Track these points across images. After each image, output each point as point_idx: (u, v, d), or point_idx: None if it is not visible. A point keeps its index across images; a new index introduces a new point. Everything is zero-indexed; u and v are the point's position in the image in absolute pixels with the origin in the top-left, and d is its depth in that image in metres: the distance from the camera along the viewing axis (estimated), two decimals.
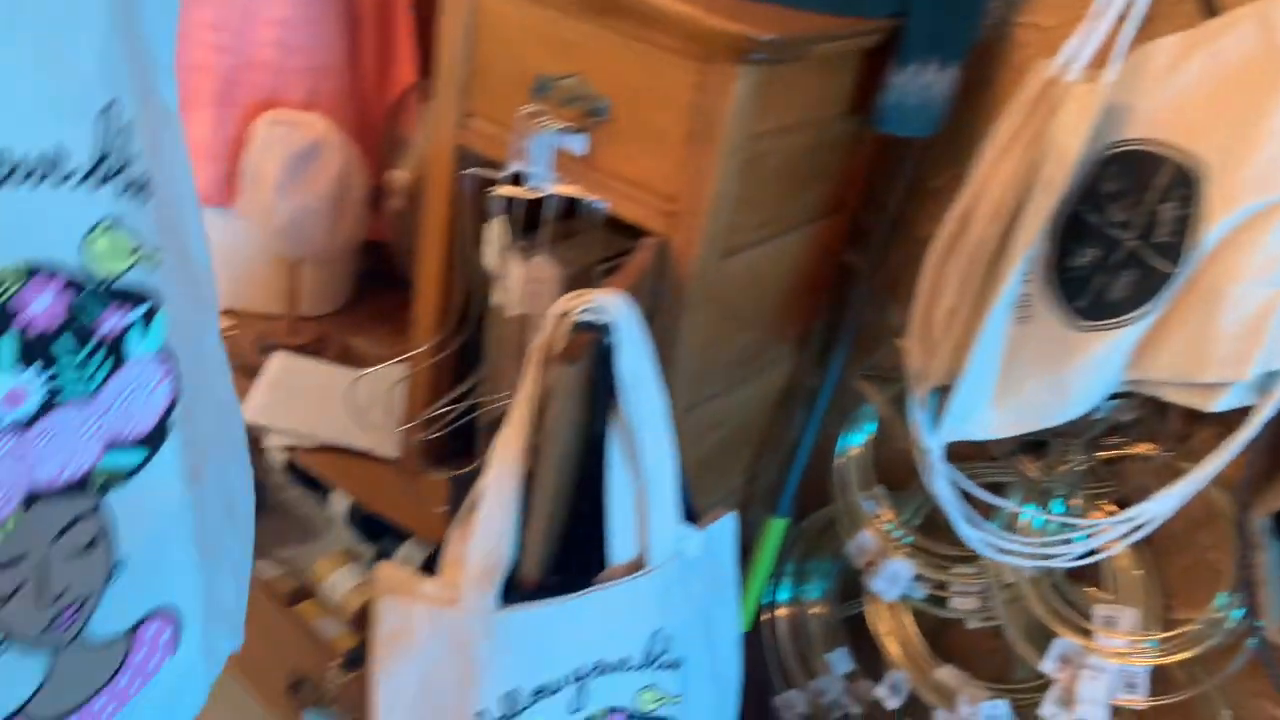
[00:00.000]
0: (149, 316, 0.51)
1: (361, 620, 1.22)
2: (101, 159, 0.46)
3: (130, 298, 0.49)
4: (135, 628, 0.56)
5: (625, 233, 1.00)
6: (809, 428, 1.20)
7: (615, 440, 0.82)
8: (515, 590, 0.81)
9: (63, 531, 0.50)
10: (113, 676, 0.56)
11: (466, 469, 0.91)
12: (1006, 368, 0.97)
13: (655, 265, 0.94)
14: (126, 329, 0.50)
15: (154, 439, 0.53)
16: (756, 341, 1.14)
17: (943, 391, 0.99)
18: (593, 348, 0.78)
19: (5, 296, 0.44)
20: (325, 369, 1.41)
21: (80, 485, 0.50)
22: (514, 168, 1.00)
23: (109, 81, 0.45)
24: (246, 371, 1.38)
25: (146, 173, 0.49)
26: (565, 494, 0.82)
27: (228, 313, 1.48)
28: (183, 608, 0.59)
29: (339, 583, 1.26)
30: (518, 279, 1.04)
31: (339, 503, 1.40)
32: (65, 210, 0.45)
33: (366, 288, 1.63)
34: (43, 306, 0.46)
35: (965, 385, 0.95)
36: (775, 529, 1.23)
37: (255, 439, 1.48)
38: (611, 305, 0.80)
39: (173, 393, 0.54)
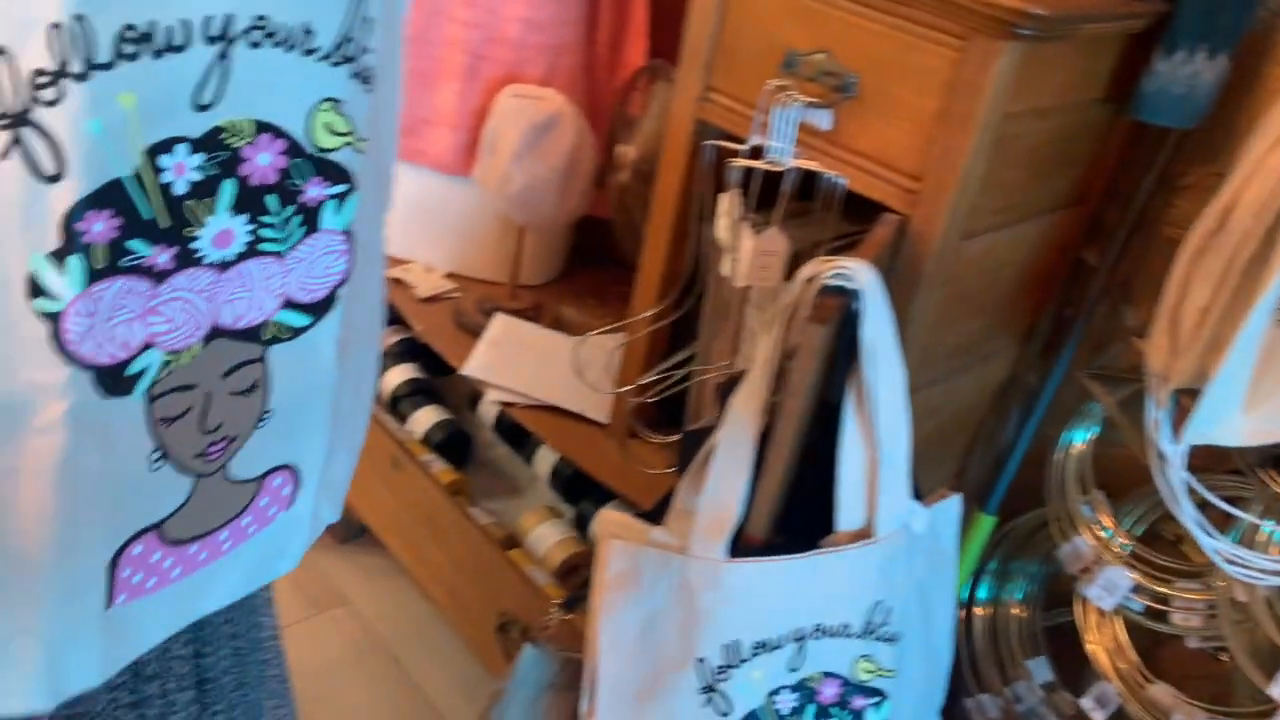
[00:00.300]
0: (344, 196, 0.55)
1: (566, 573, 1.27)
2: (342, 42, 0.50)
3: (334, 174, 0.54)
4: (265, 475, 0.61)
5: (858, 212, 1.01)
6: (1027, 424, 1.17)
7: (850, 407, 0.83)
8: (741, 546, 0.83)
9: (230, 371, 0.56)
10: (238, 514, 0.61)
11: (699, 425, 0.93)
12: (1261, 372, 0.92)
13: (893, 242, 0.94)
14: (324, 201, 0.54)
15: (321, 307, 0.58)
16: (982, 330, 1.12)
17: (1186, 394, 0.95)
18: (841, 311, 0.79)
19: (237, 144, 0.49)
20: (542, 333, 1.47)
21: (253, 333, 0.56)
22: (754, 141, 1.02)
23: None
24: (469, 330, 1.46)
25: (374, 68, 0.54)
26: (798, 455, 0.83)
27: (452, 276, 1.56)
28: (305, 468, 0.64)
29: (544, 536, 1.31)
30: (748, 251, 1.06)
31: (544, 461, 1.46)
32: (302, 80, 0.50)
33: (578, 262, 1.70)
34: (264, 162, 0.50)
35: (1216, 389, 0.91)
36: (982, 525, 1.20)
37: (474, 395, 1.56)
38: (860, 272, 0.80)
39: (346, 270, 0.58)
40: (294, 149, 0.51)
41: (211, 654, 0.73)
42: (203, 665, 0.72)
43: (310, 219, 0.54)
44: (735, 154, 1.03)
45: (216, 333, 0.53)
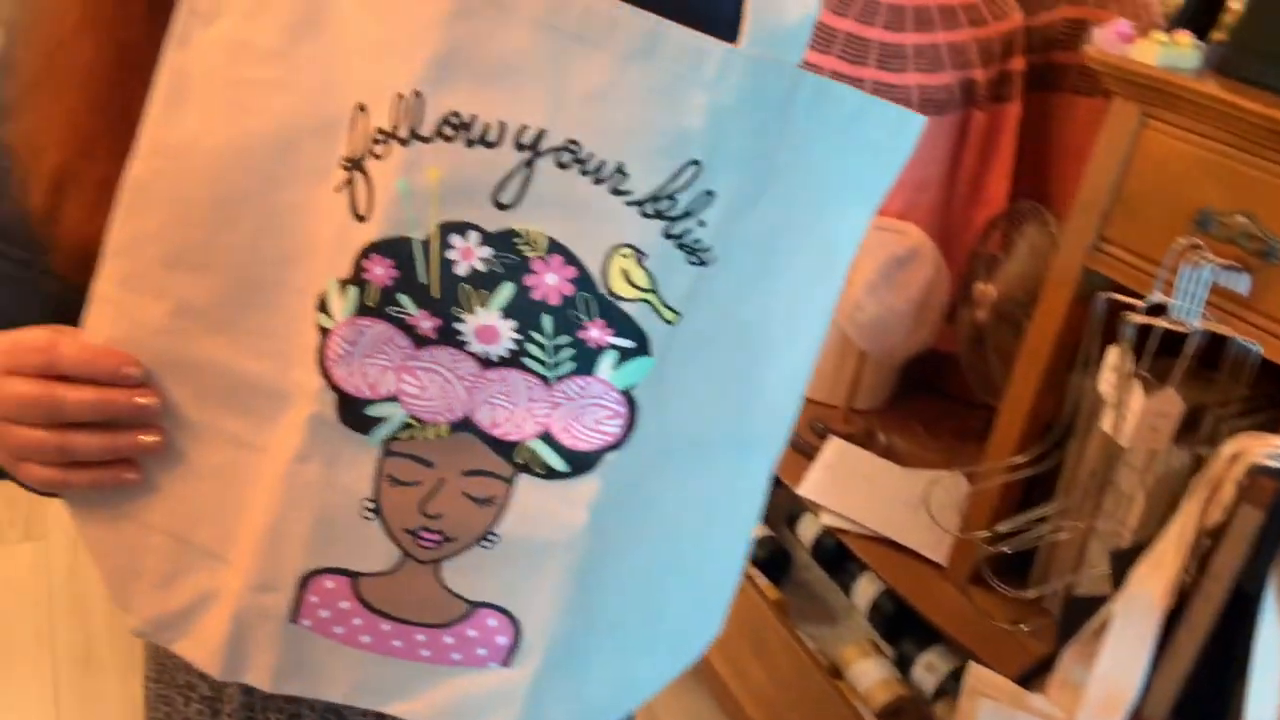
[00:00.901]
0: (629, 354, 0.52)
1: (891, 714, 1.23)
2: (659, 197, 0.49)
3: (622, 325, 0.51)
4: (479, 605, 0.57)
5: (1268, 383, 0.94)
6: None
7: (1272, 597, 0.76)
8: None
9: (472, 472, 0.54)
10: (441, 625, 0.57)
11: (1089, 594, 0.89)
12: None
13: None
14: (604, 348, 0.51)
15: (582, 462, 0.54)
16: None
17: None
18: (1276, 495, 0.74)
19: (528, 254, 0.49)
20: (876, 461, 1.46)
21: (506, 448, 0.53)
22: (1155, 298, 0.98)
23: (704, 148, 0.49)
24: (798, 448, 1.47)
25: (711, 248, 0.51)
26: (1208, 639, 0.78)
27: None
28: (526, 628, 0.58)
29: (866, 672, 1.29)
30: (1137, 411, 1.01)
31: (865, 592, 1.44)
32: (604, 216, 0.49)
33: (908, 390, 1.68)
34: (550, 281, 0.50)
35: None
36: None
37: (792, 513, 1.57)
38: None
39: (618, 437, 0.54)
40: (584, 281, 0.50)
41: None
42: None
43: (585, 359, 0.51)
44: (1130, 308, 1.00)
45: (469, 426, 0.53)
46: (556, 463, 0.54)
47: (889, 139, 0.54)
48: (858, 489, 1.40)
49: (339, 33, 0.49)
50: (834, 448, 1.46)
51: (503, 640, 0.58)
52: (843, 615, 1.49)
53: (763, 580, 1.43)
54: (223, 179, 0.50)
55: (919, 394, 1.69)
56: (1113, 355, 1.04)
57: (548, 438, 0.53)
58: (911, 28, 1.42)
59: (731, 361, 0.55)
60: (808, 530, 1.54)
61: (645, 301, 0.50)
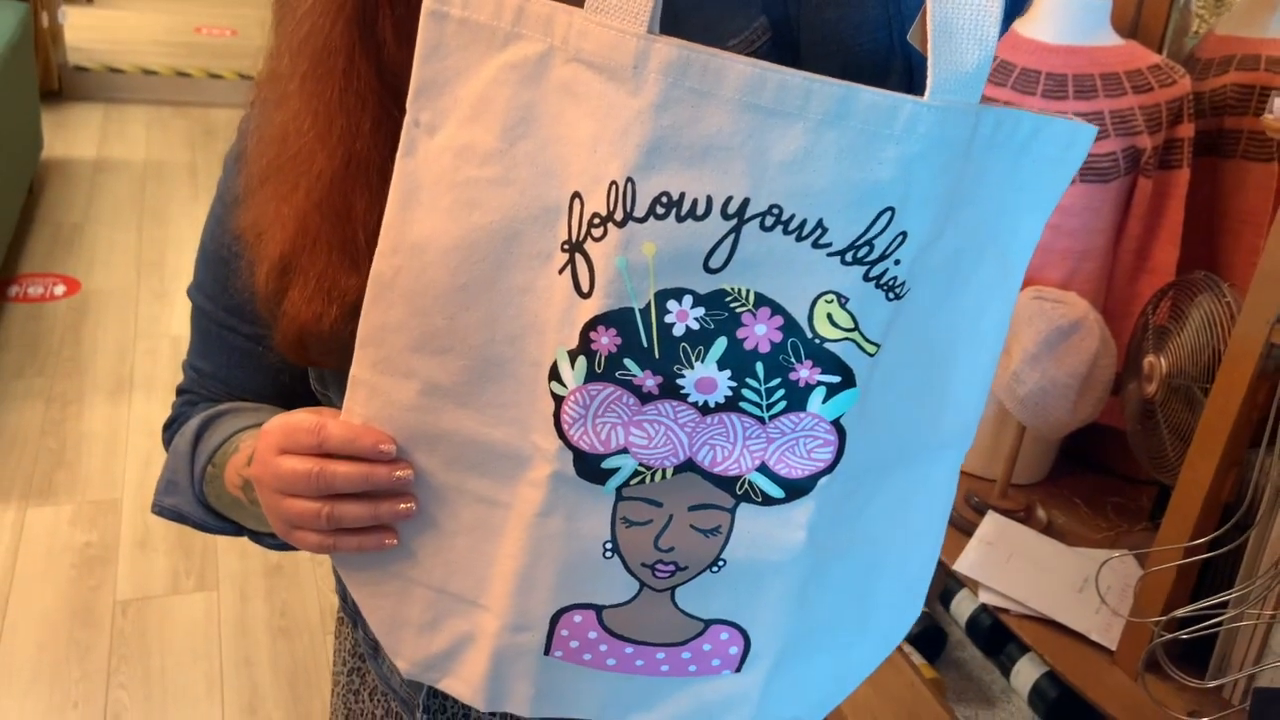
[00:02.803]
0: (836, 389, 0.54)
1: None
2: (859, 246, 0.51)
3: (828, 363, 0.54)
4: (711, 622, 0.61)
5: None
6: None
7: None
8: None
9: (697, 506, 0.57)
10: (678, 644, 0.62)
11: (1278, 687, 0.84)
12: None
13: None
14: (813, 385, 0.54)
15: (797, 488, 0.57)
16: None
17: None
18: None
19: (738, 309, 0.52)
20: (1037, 538, 1.41)
21: (727, 483, 0.57)
22: None
23: (897, 195, 0.51)
24: (954, 524, 1.44)
25: (906, 283, 0.53)
26: None
27: None
28: (756, 638, 0.62)
29: None
30: None
31: (1025, 674, 1.38)
32: (807, 269, 0.51)
33: (1066, 465, 1.63)
34: (760, 331, 0.52)
35: None
36: None
37: (946, 589, 1.53)
38: None
39: (829, 463, 0.57)
40: (790, 327, 0.53)
41: None
42: None
43: (796, 398, 0.54)
44: None
45: (692, 466, 0.57)
46: (774, 491, 0.58)
47: (1063, 151, 0.56)
48: (1018, 567, 1.35)
49: (551, 130, 0.53)
50: (992, 523, 1.42)
51: (734, 650, 0.63)
52: (1001, 698, 1.43)
53: (918, 658, 1.39)
54: (457, 271, 0.55)
55: (1080, 468, 1.64)
56: None
57: (765, 469, 0.57)
58: (1072, 96, 1.41)
59: (924, 375, 0.58)
60: (963, 607, 1.50)
61: (849, 340, 0.53)
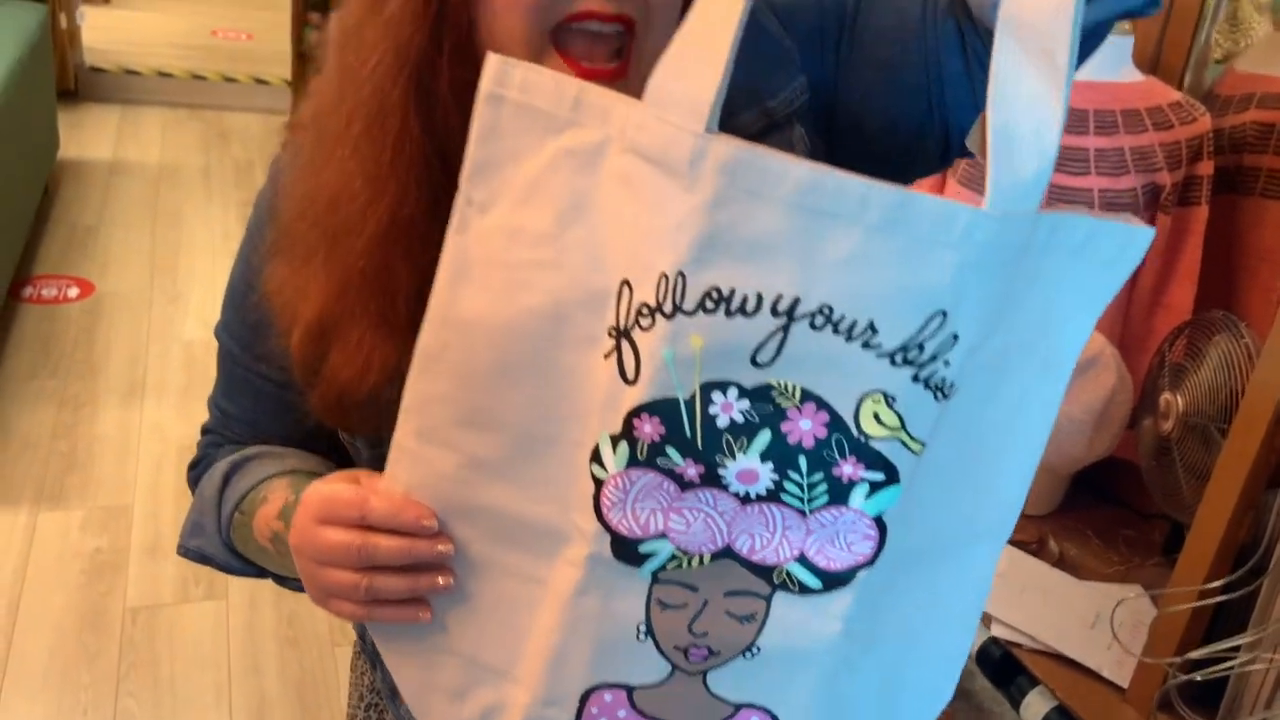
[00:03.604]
0: (880, 486, 0.54)
1: None
2: (908, 347, 0.51)
3: (873, 460, 0.53)
4: (741, 706, 0.61)
5: None
6: None
7: None
8: None
9: (733, 593, 0.57)
10: None
11: None
12: None
13: None
14: (857, 482, 0.54)
15: (835, 579, 0.57)
16: None
17: None
18: None
19: (784, 404, 0.52)
20: (1050, 572, 1.42)
21: (764, 571, 0.57)
22: None
23: (950, 300, 0.50)
24: None
25: (955, 384, 0.53)
26: None
27: None
28: None
29: None
30: None
31: (1035, 708, 1.38)
32: (855, 368, 0.51)
33: (1079, 496, 1.63)
34: (805, 426, 0.52)
35: None
36: None
37: None
38: None
39: (869, 557, 0.56)
40: (836, 424, 0.52)
41: None
42: None
43: (838, 493, 0.54)
44: None
45: (729, 553, 0.56)
46: (812, 582, 0.57)
47: (1119, 252, 0.55)
48: (1030, 600, 1.35)
49: (604, 217, 0.53)
50: (1005, 555, 1.42)
51: None
52: None
53: None
54: (503, 349, 0.56)
55: (1092, 501, 1.64)
56: None
57: (804, 560, 0.56)
58: (1093, 131, 1.41)
59: (967, 470, 0.58)
60: (975, 639, 1.50)
61: (895, 438, 0.53)
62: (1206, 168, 1.44)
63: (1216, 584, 1.11)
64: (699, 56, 0.50)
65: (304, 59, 4.52)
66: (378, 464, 0.73)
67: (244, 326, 0.75)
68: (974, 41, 0.66)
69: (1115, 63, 1.43)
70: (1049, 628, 1.31)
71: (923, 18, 0.68)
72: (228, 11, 6.25)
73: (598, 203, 0.53)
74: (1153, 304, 1.48)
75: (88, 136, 4.27)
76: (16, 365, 2.77)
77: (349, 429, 0.72)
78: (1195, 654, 1.11)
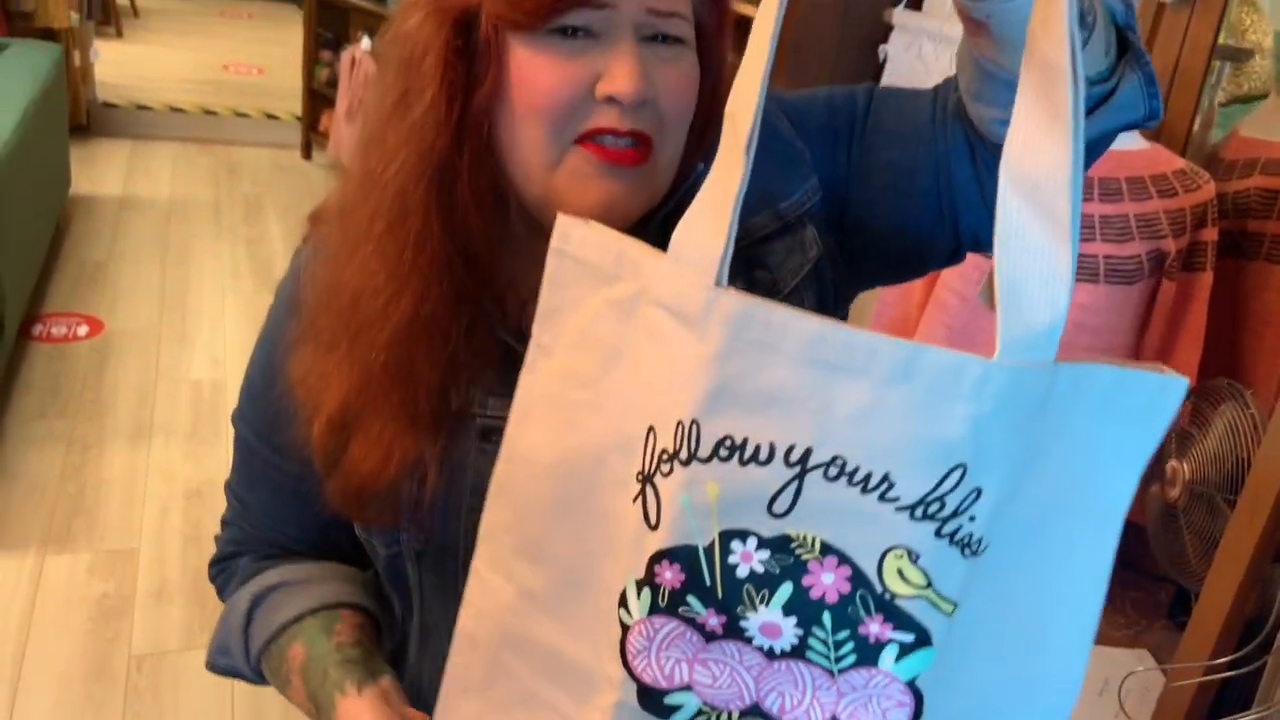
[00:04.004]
0: (911, 648, 0.52)
1: None
2: (925, 502, 0.50)
3: (901, 620, 0.51)
4: None
5: None
6: None
7: None
8: None
9: None
10: None
11: None
12: None
13: None
14: (885, 642, 0.52)
15: None
16: None
17: None
18: None
19: (805, 556, 0.51)
20: None
21: None
22: None
23: (969, 453, 0.49)
24: None
25: (983, 539, 0.51)
26: None
27: None
28: None
29: None
30: None
31: None
32: (873, 522, 0.50)
33: None
34: (827, 580, 0.51)
35: None
36: None
37: None
38: None
39: None
40: (859, 579, 0.51)
41: None
42: None
43: (866, 653, 0.52)
44: None
45: (759, 712, 0.55)
46: None
47: (1150, 403, 0.52)
48: None
49: (636, 365, 0.55)
50: None
51: None
52: None
53: None
54: (554, 486, 0.58)
55: None
56: None
57: None
58: (1098, 199, 1.43)
59: (1011, 637, 0.55)
60: None
61: (922, 597, 0.51)
62: (1211, 234, 1.45)
63: (1223, 660, 1.11)
64: (709, 218, 0.52)
65: (315, 94, 4.58)
66: (392, 565, 0.74)
67: (262, 419, 0.76)
68: (981, 150, 0.67)
69: None
70: None
71: (932, 122, 0.69)
72: (240, 47, 6.32)
73: (631, 351, 0.55)
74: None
75: (99, 172, 4.30)
76: (26, 405, 2.78)
77: (366, 520, 0.73)
78: None
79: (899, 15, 2.03)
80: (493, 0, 0.61)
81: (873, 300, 1.80)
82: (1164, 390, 0.52)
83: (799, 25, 2.09)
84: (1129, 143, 1.46)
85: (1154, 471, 1.39)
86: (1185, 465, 1.32)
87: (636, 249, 0.55)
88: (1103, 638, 1.46)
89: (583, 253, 0.57)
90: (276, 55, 6.17)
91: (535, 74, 0.61)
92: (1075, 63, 0.46)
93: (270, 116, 5.06)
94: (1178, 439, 1.36)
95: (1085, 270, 1.42)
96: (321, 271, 0.69)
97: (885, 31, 2.09)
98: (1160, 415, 0.52)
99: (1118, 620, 1.51)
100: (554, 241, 0.58)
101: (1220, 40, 1.56)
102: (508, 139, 0.64)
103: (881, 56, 2.09)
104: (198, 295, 3.46)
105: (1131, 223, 1.42)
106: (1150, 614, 1.53)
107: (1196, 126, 1.55)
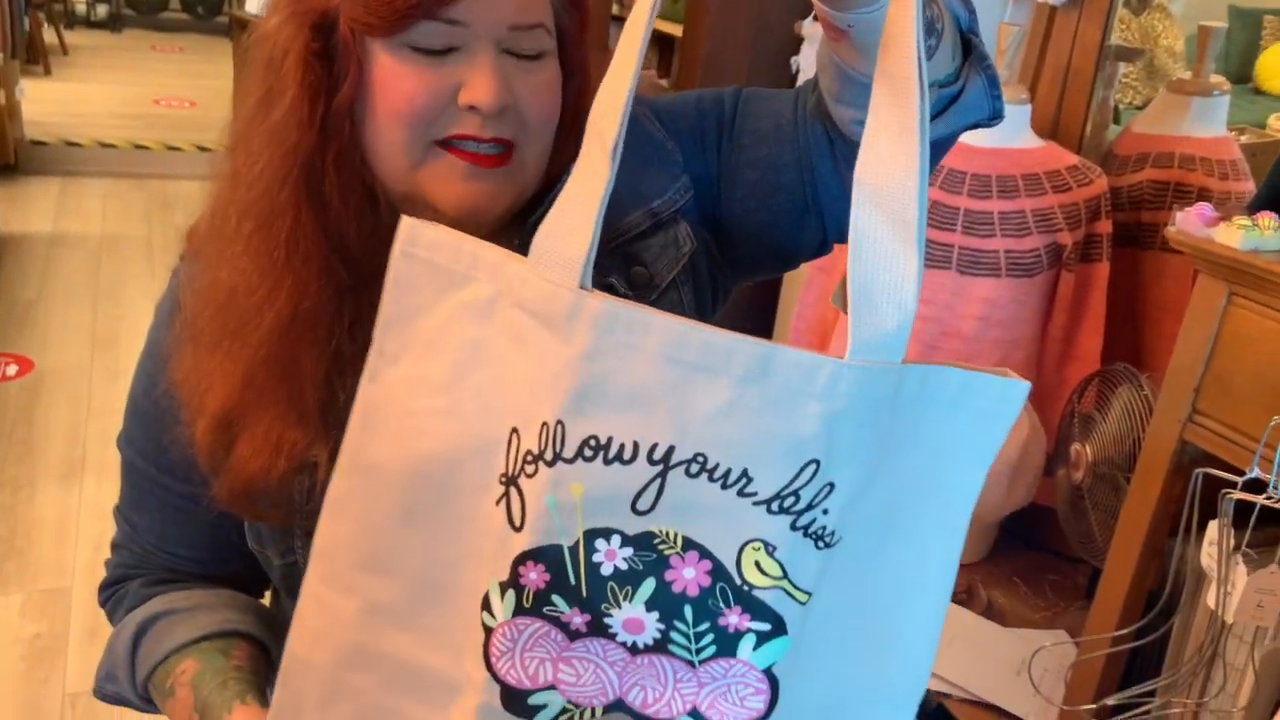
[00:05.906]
0: (767, 637, 0.54)
1: None
2: (784, 496, 0.52)
3: (758, 611, 0.53)
4: None
5: None
6: None
7: None
8: None
9: None
10: None
11: None
12: None
13: None
14: (743, 632, 0.53)
15: None
16: None
17: None
18: None
19: (667, 552, 0.53)
20: (978, 622, 1.45)
21: None
22: (1254, 474, 0.99)
23: (821, 449, 0.51)
24: None
25: (836, 532, 0.53)
26: None
27: None
28: None
29: None
30: (1240, 587, 1.00)
31: None
32: (732, 516, 0.52)
33: (1007, 545, 1.67)
34: (688, 575, 0.53)
35: None
36: None
37: None
38: None
39: (761, 713, 0.55)
40: (719, 573, 0.53)
41: None
42: None
43: (726, 644, 0.54)
44: (1228, 484, 1.00)
45: (622, 706, 0.56)
46: None
47: (995, 405, 0.54)
48: (959, 651, 1.39)
49: (495, 367, 0.55)
50: None
51: None
52: None
53: None
54: (404, 495, 0.57)
55: (1019, 547, 1.68)
56: (1212, 530, 1.04)
57: (696, 714, 0.56)
58: (996, 195, 1.48)
59: (864, 626, 0.57)
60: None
61: (778, 588, 0.53)
62: (1105, 226, 1.51)
63: (1127, 631, 1.15)
64: (572, 220, 0.53)
65: None
66: (288, 574, 0.74)
67: (146, 438, 0.76)
68: (841, 146, 0.70)
69: (1015, 130, 1.50)
70: (977, 678, 1.34)
71: (794, 121, 0.72)
72: (171, 81, 6.26)
73: (490, 354, 0.55)
74: (1063, 355, 1.54)
75: (28, 210, 4.24)
76: None
77: (258, 518, 0.73)
78: (1113, 699, 1.15)
79: (809, 27, 2.08)
80: (349, 4, 0.62)
81: (793, 302, 1.84)
82: (1007, 392, 0.54)
83: (713, 38, 2.13)
84: (1024, 141, 1.52)
85: (1061, 454, 1.43)
86: (1088, 448, 1.37)
87: (492, 251, 0.55)
88: (1023, 621, 1.50)
89: (432, 255, 0.56)
90: (209, 88, 6.12)
91: (398, 80, 0.63)
92: (922, 75, 0.49)
93: (203, 149, 5.02)
94: (1081, 422, 1.41)
95: (987, 265, 1.47)
96: (198, 273, 0.69)
97: (797, 43, 2.14)
98: (1004, 416, 0.55)
99: (1038, 604, 1.55)
100: (400, 245, 0.57)
101: (1124, 43, 1.62)
102: (371, 139, 0.65)
103: (794, 68, 2.14)
104: (130, 332, 3.42)
105: (1029, 218, 1.47)
106: (1069, 596, 1.57)
107: (1090, 124, 1.61)
